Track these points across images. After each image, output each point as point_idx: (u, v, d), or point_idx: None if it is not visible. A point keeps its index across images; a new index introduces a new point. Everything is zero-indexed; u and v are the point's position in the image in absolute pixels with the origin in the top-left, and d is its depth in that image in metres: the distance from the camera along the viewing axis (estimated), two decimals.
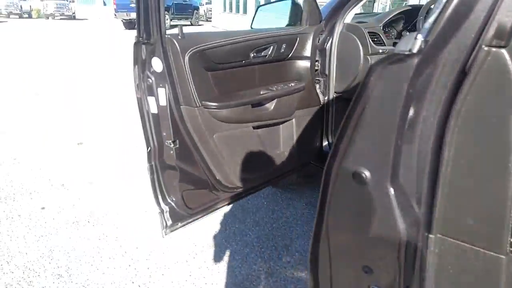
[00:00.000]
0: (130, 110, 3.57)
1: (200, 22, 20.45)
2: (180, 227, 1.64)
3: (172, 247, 1.97)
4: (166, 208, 1.59)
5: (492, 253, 0.53)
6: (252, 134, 1.73)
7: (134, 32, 1.39)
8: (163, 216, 1.59)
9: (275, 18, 2.09)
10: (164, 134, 1.47)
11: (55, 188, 2.54)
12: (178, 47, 1.37)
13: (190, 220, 1.66)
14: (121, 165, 2.94)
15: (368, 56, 1.96)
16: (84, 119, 4.06)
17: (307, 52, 1.88)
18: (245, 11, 15.54)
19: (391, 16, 2.12)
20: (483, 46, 0.50)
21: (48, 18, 22.37)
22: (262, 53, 1.70)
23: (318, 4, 1.97)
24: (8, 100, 4.74)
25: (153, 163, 1.53)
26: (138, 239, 2.02)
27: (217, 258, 1.94)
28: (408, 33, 2.03)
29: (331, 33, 1.98)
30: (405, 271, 0.63)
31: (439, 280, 0.58)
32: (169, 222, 1.60)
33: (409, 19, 2.20)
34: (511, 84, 0.49)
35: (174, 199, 1.60)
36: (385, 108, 0.62)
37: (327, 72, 2.02)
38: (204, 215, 1.73)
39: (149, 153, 1.52)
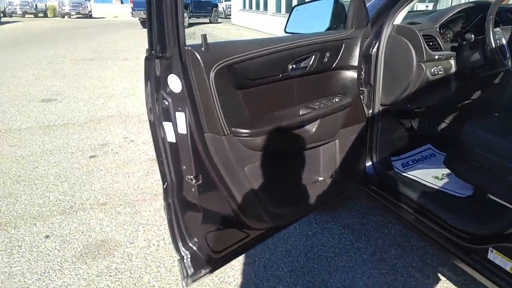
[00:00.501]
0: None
1: (219, 20, 20.21)
2: (204, 274, 1.36)
3: (195, 285, 1.70)
4: (187, 254, 1.31)
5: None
6: (289, 161, 1.44)
7: None
8: (183, 263, 1.31)
9: (314, 21, 1.78)
10: (184, 167, 1.19)
11: (62, 211, 2.30)
12: (201, 61, 1.08)
13: (216, 266, 1.39)
14: (141, 182, 2.69)
15: (422, 64, 1.64)
16: (102, 125, 3.85)
17: (354, 60, 1.56)
18: (265, 8, 15.18)
19: (451, 15, 1.78)
20: None
21: (64, 17, 22.51)
22: (302, 64, 1.40)
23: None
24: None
25: (170, 201, 1.25)
26: (155, 275, 1.76)
27: None
28: (472, 35, 1.69)
29: (377, 36, 1.66)
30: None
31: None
32: (191, 271, 1.32)
33: (468, 18, 1.85)
34: None
35: (196, 242, 1.32)
36: None
37: (372, 82, 1.70)
38: (232, 259, 1.45)
39: (165, 190, 1.25)
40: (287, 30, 1.80)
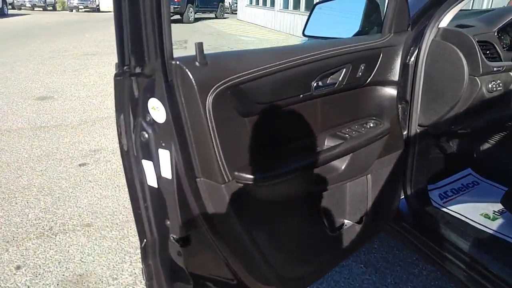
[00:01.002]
0: None
1: (226, 15, 19.83)
2: None
3: None
4: None
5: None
6: (307, 207, 1.11)
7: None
8: None
9: (340, 23, 1.44)
10: (169, 222, 0.87)
11: (39, 234, 2.01)
12: (194, 81, 0.77)
13: None
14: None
15: (476, 78, 1.30)
16: (96, 128, 3.55)
17: (393, 74, 1.23)
18: (272, 4, 14.78)
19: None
20: None
21: (72, 10, 22.45)
22: (329, 80, 1.07)
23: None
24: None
25: (151, 263, 0.94)
26: None
27: None
28: None
29: (417, 42, 1.32)
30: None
31: None
32: None
33: None
34: None
35: None
36: None
37: (408, 98, 1.36)
38: None
39: (143, 249, 0.93)
40: (306, 33, 1.47)
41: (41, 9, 22.38)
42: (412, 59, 1.32)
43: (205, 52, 0.79)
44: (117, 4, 0.73)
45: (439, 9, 1.32)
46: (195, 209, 0.84)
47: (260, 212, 0.96)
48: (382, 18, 1.28)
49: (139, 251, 1.82)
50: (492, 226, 1.45)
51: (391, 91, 1.24)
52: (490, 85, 1.31)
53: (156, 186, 0.84)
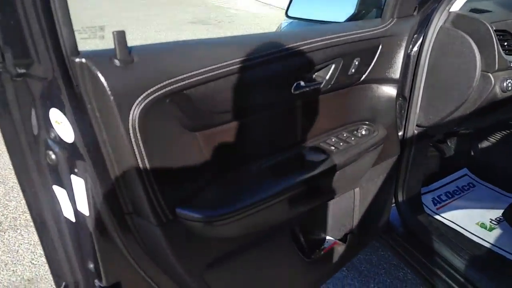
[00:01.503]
0: None
1: None
2: None
3: None
4: None
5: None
6: (279, 233, 0.91)
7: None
8: None
9: (331, 3, 1.20)
10: (91, 265, 0.67)
11: None
12: (108, 88, 0.54)
13: None
14: None
15: (490, 74, 1.09)
16: None
17: (395, 69, 1.02)
18: None
19: None
20: None
21: None
22: (314, 78, 0.85)
23: None
24: None
25: None
26: None
27: None
28: None
29: (423, 28, 1.10)
30: None
31: None
32: None
33: None
34: None
35: None
36: None
37: (407, 94, 1.16)
38: None
39: None
40: (289, 14, 1.23)
41: None
42: (415, 48, 1.11)
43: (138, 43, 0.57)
44: None
45: None
46: (125, 252, 0.63)
47: (215, 251, 0.76)
48: None
49: None
50: (489, 237, 1.30)
51: (390, 90, 1.04)
52: (505, 84, 1.11)
53: (73, 220, 0.63)
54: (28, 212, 1.80)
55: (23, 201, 1.91)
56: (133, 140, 0.57)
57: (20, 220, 1.87)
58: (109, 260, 0.64)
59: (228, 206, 0.71)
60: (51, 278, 1.53)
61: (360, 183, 1.06)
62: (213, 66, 0.65)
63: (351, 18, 1.14)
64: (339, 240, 1.13)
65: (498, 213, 1.41)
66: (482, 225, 1.35)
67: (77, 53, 0.51)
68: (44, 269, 1.59)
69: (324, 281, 1.12)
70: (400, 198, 1.33)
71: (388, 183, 1.20)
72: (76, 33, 0.51)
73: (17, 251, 1.68)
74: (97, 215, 0.59)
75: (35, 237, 1.76)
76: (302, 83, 0.81)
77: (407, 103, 1.18)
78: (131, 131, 0.56)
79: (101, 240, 0.61)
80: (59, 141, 0.58)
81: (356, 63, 0.91)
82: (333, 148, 0.89)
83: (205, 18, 8.18)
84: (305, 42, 0.78)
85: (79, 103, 0.53)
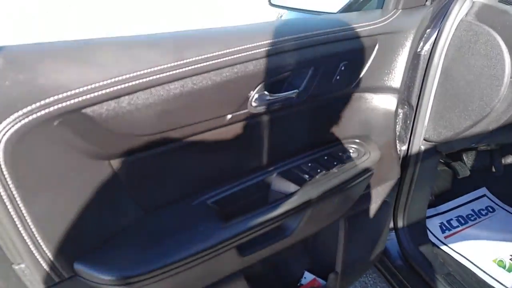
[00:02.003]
0: None
1: None
2: None
3: None
4: None
5: None
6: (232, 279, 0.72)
7: None
8: None
9: None
10: None
11: None
12: None
13: None
14: None
15: None
16: None
17: (395, 75, 0.80)
18: None
19: None
20: None
21: None
22: (285, 89, 0.65)
23: None
24: None
25: None
26: None
27: None
28: None
29: (438, 21, 0.87)
30: None
31: None
32: None
33: None
34: None
35: None
36: None
37: (414, 101, 0.93)
38: None
39: None
40: (273, 2, 1.02)
41: None
42: (427, 46, 0.88)
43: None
44: None
45: None
46: None
47: None
48: None
49: None
50: (507, 280, 1.07)
51: (388, 102, 0.81)
52: None
53: None
54: None
55: None
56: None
57: None
58: None
59: (150, 262, 0.53)
60: None
61: (346, 212, 0.84)
62: (130, 75, 0.47)
63: (346, 8, 0.91)
64: (319, 277, 0.93)
65: None
66: (500, 263, 1.11)
67: None
68: None
69: None
70: (399, 223, 1.11)
71: (384, 209, 0.98)
72: None
73: None
74: None
75: None
76: (266, 94, 0.61)
77: (414, 112, 0.95)
78: None
79: None
80: None
81: (343, 68, 0.69)
82: (307, 176, 0.68)
83: None
84: (270, 41, 0.58)
85: None
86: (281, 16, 1.47)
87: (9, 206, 0.44)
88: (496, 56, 0.81)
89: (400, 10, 0.80)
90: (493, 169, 1.46)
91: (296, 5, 1.02)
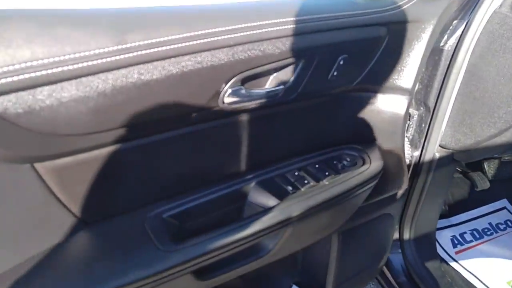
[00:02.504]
0: None
1: None
2: None
3: None
4: None
5: None
6: None
7: None
8: None
9: None
10: None
11: None
12: None
13: None
14: None
15: None
16: None
17: (407, 74, 0.68)
18: None
19: None
20: None
21: None
22: (268, 85, 0.55)
23: None
24: None
25: None
26: None
27: None
28: None
29: (466, 13, 0.74)
30: None
31: None
32: None
33: None
34: None
35: None
36: None
37: (432, 102, 0.82)
38: None
39: None
40: None
41: None
42: (451, 41, 0.76)
43: None
44: None
45: None
46: None
47: None
48: None
49: None
50: None
51: (397, 103, 0.70)
52: None
53: None
54: None
55: None
56: None
57: None
58: None
59: None
60: None
61: (339, 227, 0.75)
62: (48, 60, 0.38)
63: None
64: None
65: None
66: None
67: None
68: None
69: None
70: (405, 235, 1.01)
71: (386, 223, 0.88)
72: None
73: None
74: None
75: None
76: (242, 89, 0.51)
77: (431, 115, 0.84)
78: None
79: None
80: None
81: (342, 62, 0.58)
82: (290, 188, 0.58)
83: None
84: (247, 25, 0.48)
85: None
86: None
87: None
88: None
89: None
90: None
91: None
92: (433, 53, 0.77)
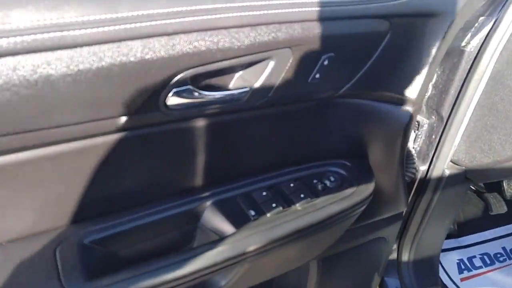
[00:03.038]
0: None
1: None
2: None
3: None
4: None
5: None
6: None
7: None
8: None
9: None
10: None
11: None
12: None
13: None
14: None
15: None
16: None
17: (412, 80, 0.56)
18: None
19: None
20: None
21: None
22: (233, 86, 0.44)
23: None
24: None
25: None
26: None
27: None
28: None
29: (493, 10, 0.61)
30: None
31: None
32: None
33: None
34: None
35: None
36: None
37: (446, 111, 0.70)
38: None
39: None
40: None
41: None
42: (475, 41, 0.64)
43: None
44: None
45: None
46: None
47: None
48: None
49: None
50: None
51: (398, 112, 0.58)
52: None
53: None
54: None
55: None
56: None
57: None
58: None
59: None
60: None
61: (318, 256, 0.64)
62: None
63: None
64: None
65: None
66: None
67: None
68: None
69: None
70: (404, 257, 0.90)
71: (379, 248, 0.77)
72: None
73: None
74: None
75: None
76: (193, 90, 0.40)
77: (443, 125, 0.72)
78: None
79: None
80: None
81: (325, 62, 0.46)
82: (252, 213, 0.48)
83: None
84: (193, 8, 0.36)
85: None
86: None
87: None
88: None
89: None
90: None
91: None
92: (451, 54, 0.65)
